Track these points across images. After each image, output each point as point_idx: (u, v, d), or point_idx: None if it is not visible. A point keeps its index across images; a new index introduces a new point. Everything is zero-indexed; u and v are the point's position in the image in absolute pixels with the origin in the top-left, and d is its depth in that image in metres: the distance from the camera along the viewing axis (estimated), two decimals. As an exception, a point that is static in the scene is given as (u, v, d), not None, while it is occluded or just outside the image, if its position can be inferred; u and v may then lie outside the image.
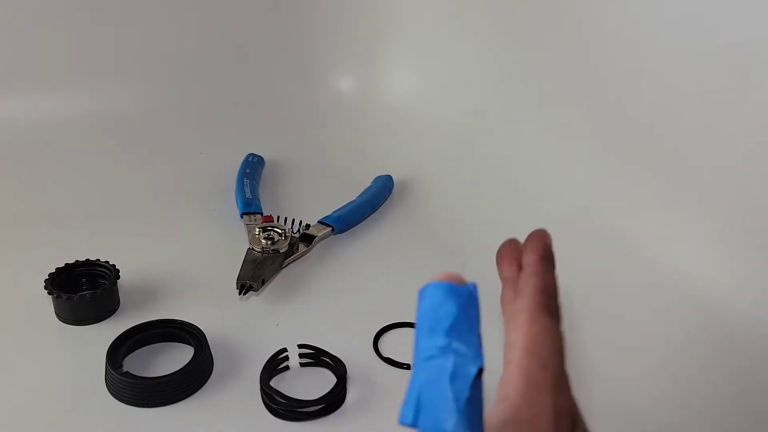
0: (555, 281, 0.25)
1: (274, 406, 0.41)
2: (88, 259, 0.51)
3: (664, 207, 0.60)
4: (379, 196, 0.67)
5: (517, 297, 0.25)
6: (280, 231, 0.56)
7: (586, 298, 0.54)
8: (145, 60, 0.86)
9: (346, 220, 0.62)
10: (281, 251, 0.55)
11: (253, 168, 0.71)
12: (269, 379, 0.43)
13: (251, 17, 0.90)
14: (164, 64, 0.87)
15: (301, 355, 0.45)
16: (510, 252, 0.28)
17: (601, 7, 0.65)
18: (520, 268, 0.27)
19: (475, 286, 0.24)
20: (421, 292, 0.23)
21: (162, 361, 0.45)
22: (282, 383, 0.44)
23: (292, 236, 0.57)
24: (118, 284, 0.50)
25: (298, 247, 0.57)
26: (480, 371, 0.22)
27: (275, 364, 0.44)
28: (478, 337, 0.23)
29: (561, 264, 0.62)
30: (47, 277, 0.49)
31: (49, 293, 0.47)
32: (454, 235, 0.63)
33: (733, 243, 0.54)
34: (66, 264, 0.50)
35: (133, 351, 0.46)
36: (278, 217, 0.61)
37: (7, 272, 0.54)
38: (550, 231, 0.65)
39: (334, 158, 0.78)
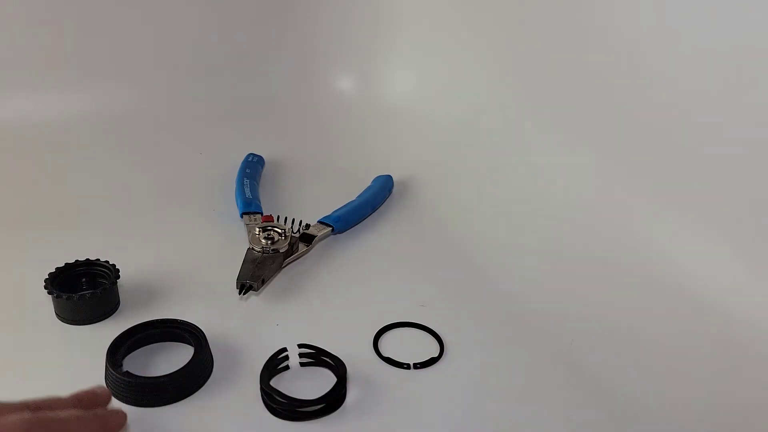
0: None
1: (274, 406, 0.41)
2: (88, 259, 0.51)
3: (665, 207, 0.60)
4: (379, 196, 0.67)
5: None
6: (280, 231, 0.56)
7: (586, 298, 0.54)
8: (145, 60, 0.86)
9: (346, 220, 0.62)
10: (281, 251, 0.55)
11: (253, 168, 0.71)
12: (269, 379, 0.43)
13: (251, 17, 0.90)
14: (164, 64, 0.87)
15: (301, 355, 0.45)
16: None
17: (601, 7, 0.65)
18: None
19: None
20: None
21: (162, 361, 0.45)
22: (282, 383, 0.44)
23: (292, 236, 0.57)
24: (118, 284, 0.50)
25: (298, 247, 0.57)
26: None
27: (275, 364, 0.44)
28: None
29: (561, 263, 0.62)
30: (47, 277, 0.48)
31: (49, 293, 0.47)
32: (454, 234, 0.63)
33: (735, 243, 0.54)
34: (66, 264, 0.50)
35: (133, 351, 0.46)
36: (278, 217, 0.61)
37: (7, 272, 0.54)
38: (550, 230, 0.66)
39: (334, 158, 0.78)
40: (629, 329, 0.51)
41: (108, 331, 0.46)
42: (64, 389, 0.42)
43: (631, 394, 0.44)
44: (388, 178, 0.70)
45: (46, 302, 0.49)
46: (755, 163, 0.53)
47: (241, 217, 0.61)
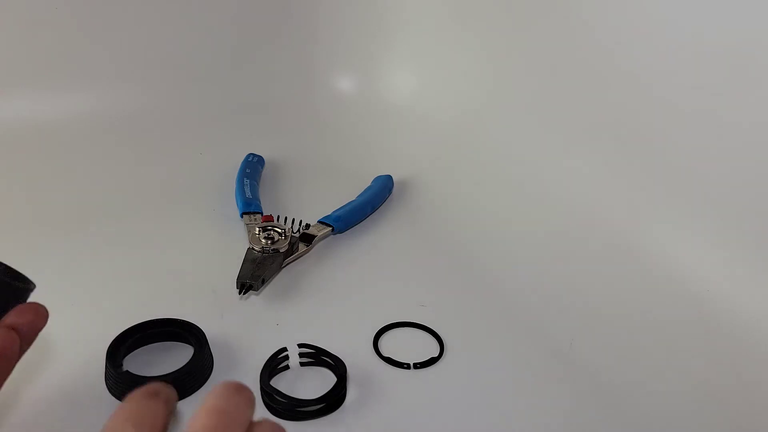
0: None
1: (274, 406, 0.41)
2: None
3: (665, 207, 0.60)
4: (379, 196, 0.67)
5: None
6: (280, 230, 0.56)
7: (585, 298, 0.54)
8: (144, 60, 0.86)
9: (346, 220, 0.62)
10: (281, 251, 0.55)
11: (253, 168, 0.70)
12: (269, 379, 0.43)
13: (252, 17, 0.90)
14: (164, 64, 0.87)
15: (301, 355, 0.45)
16: None
17: (601, 7, 0.65)
18: None
19: None
20: None
21: (162, 360, 0.45)
22: (282, 383, 0.44)
23: (292, 236, 0.57)
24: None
25: (298, 246, 0.57)
26: None
27: (275, 364, 0.44)
28: None
29: (561, 263, 0.62)
30: (47, 277, 0.48)
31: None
32: (454, 234, 0.63)
33: (736, 243, 0.54)
34: (66, 264, 0.50)
35: (133, 350, 0.46)
36: (278, 216, 0.61)
37: (7, 272, 0.54)
38: (551, 230, 0.65)
39: (334, 158, 0.78)
40: (630, 329, 0.51)
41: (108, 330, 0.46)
42: (64, 389, 0.42)
43: (632, 394, 0.44)
44: (388, 178, 0.70)
45: (46, 302, 0.49)
46: (756, 163, 0.53)
47: (241, 217, 0.61)
